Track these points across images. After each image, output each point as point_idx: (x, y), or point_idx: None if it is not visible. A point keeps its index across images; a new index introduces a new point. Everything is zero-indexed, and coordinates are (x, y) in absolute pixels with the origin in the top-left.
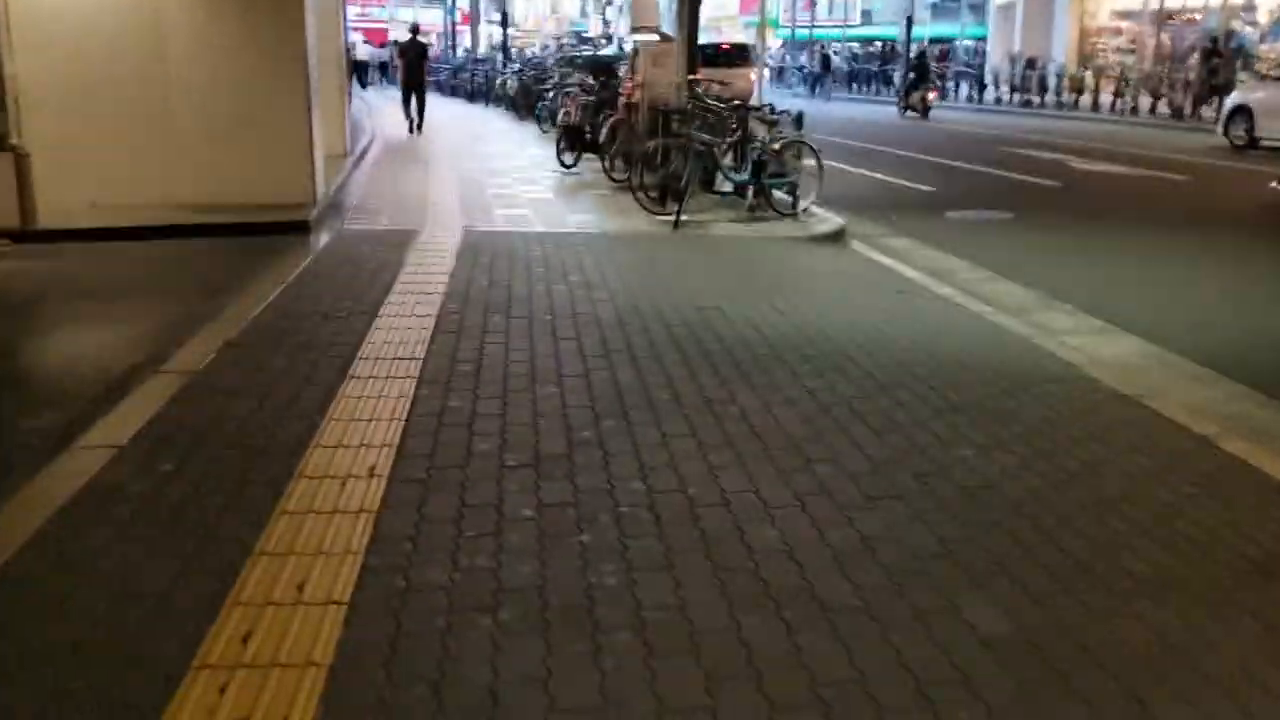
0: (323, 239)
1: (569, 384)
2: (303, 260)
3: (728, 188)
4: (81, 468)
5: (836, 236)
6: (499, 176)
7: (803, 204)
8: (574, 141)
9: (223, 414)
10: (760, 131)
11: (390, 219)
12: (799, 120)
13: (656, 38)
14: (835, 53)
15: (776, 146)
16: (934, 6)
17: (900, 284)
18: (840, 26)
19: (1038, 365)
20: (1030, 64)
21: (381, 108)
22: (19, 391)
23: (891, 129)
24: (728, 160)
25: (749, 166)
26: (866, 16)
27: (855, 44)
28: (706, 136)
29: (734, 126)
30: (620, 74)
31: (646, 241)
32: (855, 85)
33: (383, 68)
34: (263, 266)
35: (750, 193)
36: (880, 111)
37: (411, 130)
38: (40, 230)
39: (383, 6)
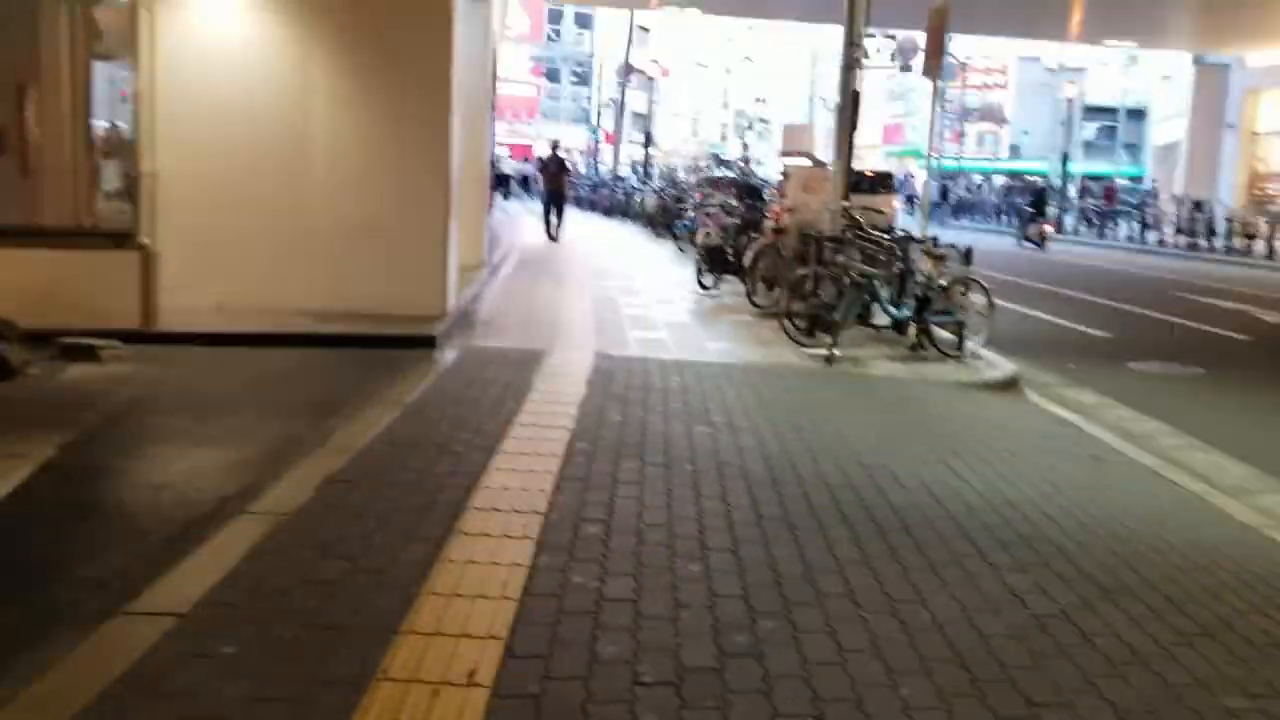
0: (449, 356)
1: (715, 561)
2: (425, 380)
3: (883, 321)
4: (128, 643)
5: (1009, 384)
6: (634, 295)
7: (970, 346)
8: (715, 263)
9: (307, 576)
10: (924, 265)
11: (520, 337)
12: (968, 256)
13: (808, 162)
14: (979, 184)
15: (944, 282)
16: (1087, 145)
17: (1093, 447)
18: (989, 159)
19: None
20: (1198, 206)
21: (521, 219)
22: (88, 525)
23: (1040, 264)
24: (886, 293)
25: (911, 302)
26: (1014, 151)
27: (1003, 178)
28: (867, 268)
29: (897, 258)
30: (765, 196)
31: (795, 377)
32: (1001, 217)
33: (524, 181)
34: (382, 385)
35: (912, 330)
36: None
37: (550, 238)
38: (159, 332)
39: (530, 123)
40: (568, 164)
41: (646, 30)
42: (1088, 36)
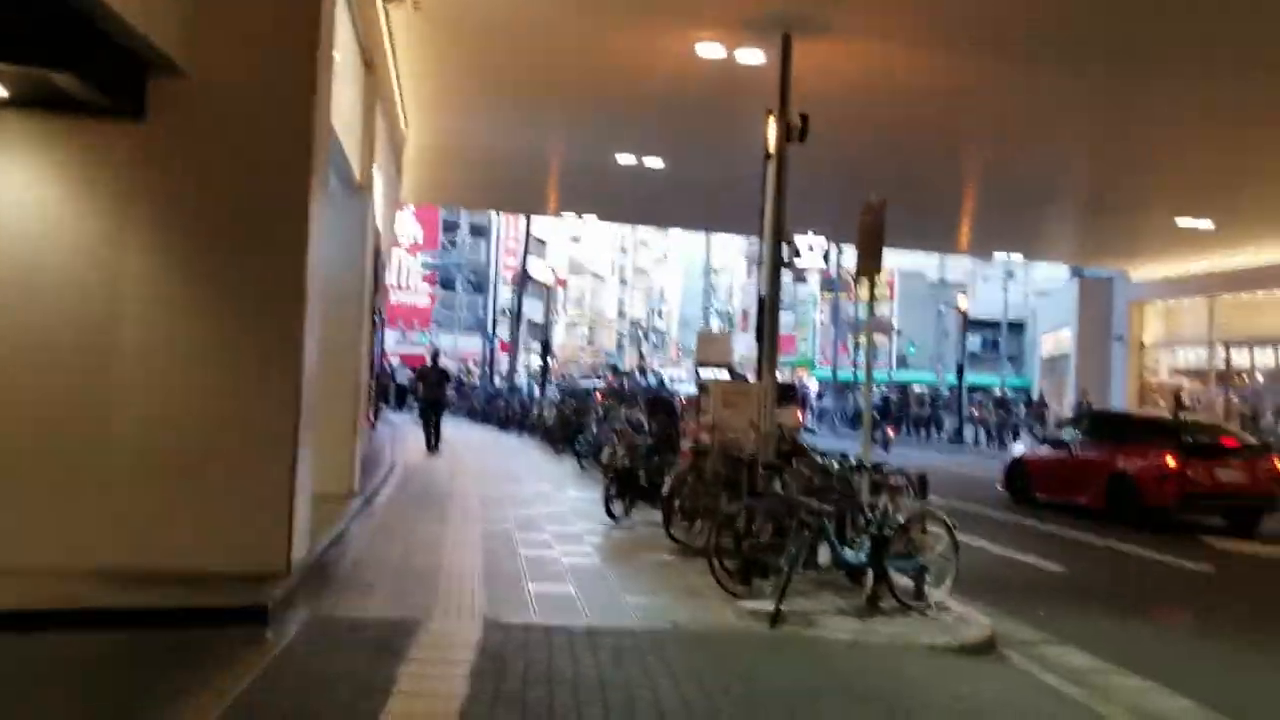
0: (286, 633)
1: None
2: (241, 680)
3: (824, 560)
4: None
5: (988, 646)
6: (533, 530)
7: (935, 594)
8: (625, 488)
9: None
10: (878, 498)
11: (387, 597)
12: (923, 485)
13: (725, 374)
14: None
15: (902, 518)
16: (972, 355)
17: None
18: (884, 369)
19: None
20: None
21: (409, 431)
22: None
23: (948, 478)
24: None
25: (865, 542)
26: (902, 361)
27: (887, 388)
28: (815, 503)
29: (843, 489)
30: (679, 412)
31: (738, 649)
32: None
33: (415, 391)
34: (175, 694)
35: (869, 578)
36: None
37: (429, 449)
38: None
39: (424, 332)
40: (449, 373)
41: (543, 242)
42: (976, 249)
